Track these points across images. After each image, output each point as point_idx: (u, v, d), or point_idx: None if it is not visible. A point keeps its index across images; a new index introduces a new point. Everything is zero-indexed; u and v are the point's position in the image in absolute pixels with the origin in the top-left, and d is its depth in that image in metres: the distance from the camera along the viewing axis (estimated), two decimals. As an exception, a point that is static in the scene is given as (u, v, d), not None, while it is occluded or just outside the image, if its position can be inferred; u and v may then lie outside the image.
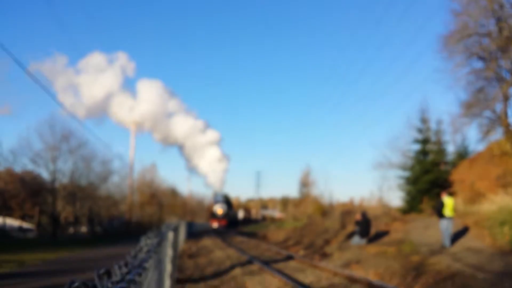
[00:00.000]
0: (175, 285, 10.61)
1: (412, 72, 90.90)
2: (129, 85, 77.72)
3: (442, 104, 45.77)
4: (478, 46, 18.84)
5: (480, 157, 22.24)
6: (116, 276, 1.59)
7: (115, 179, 49.73)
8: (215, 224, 57.50)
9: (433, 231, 16.71)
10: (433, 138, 28.31)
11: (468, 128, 23.51)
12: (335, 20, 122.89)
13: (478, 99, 19.23)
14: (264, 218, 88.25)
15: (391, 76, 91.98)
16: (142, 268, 2.08)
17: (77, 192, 41.33)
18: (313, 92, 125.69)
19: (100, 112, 54.70)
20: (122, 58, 55.85)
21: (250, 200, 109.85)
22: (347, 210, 33.64)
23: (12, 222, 46.80)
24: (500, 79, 18.33)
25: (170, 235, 7.82)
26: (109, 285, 1.28)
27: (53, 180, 39.46)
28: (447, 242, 14.03)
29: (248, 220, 79.11)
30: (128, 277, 1.59)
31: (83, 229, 47.93)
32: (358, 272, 12.53)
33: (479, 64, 19.34)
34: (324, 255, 17.95)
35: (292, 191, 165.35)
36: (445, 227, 14.14)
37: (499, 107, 18.69)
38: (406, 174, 29.28)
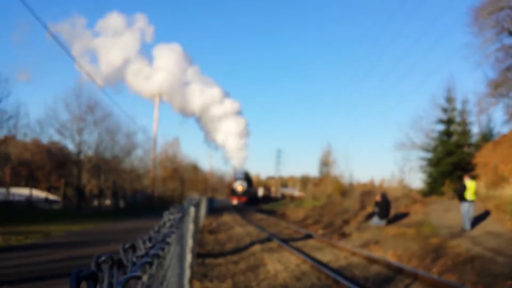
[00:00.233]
0: (196, 259, 10.87)
1: (439, 47, 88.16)
2: (147, 51, 75.87)
3: (469, 82, 44.39)
4: (510, 20, 18.16)
5: (505, 139, 21.70)
6: (141, 251, 1.65)
7: (138, 152, 50.43)
8: (235, 201, 58.06)
9: (453, 214, 16.56)
10: (458, 118, 27.61)
11: (494, 109, 22.93)
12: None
13: (506, 78, 18.66)
14: (283, 197, 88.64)
15: (418, 52, 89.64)
16: (165, 243, 2.15)
17: (102, 165, 42.14)
18: (337, 71, 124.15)
19: (117, 81, 53.47)
20: (140, 21, 54.59)
21: (270, 178, 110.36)
22: (367, 191, 33.51)
23: (38, 193, 48.19)
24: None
25: (192, 210, 7.98)
26: (134, 259, 1.35)
27: (79, 152, 40.24)
28: (467, 225, 13.91)
29: (267, 198, 79.58)
30: (152, 251, 1.66)
31: (107, 202, 49.07)
32: (376, 253, 12.59)
33: (509, 40, 18.70)
34: (343, 235, 18.04)
35: (312, 170, 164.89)
36: (466, 211, 13.98)
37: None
38: (429, 155, 28.78)
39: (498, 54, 18.77)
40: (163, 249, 1.96)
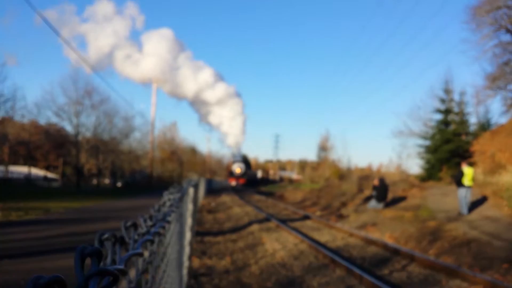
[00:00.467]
0: (195, 237, 10.96)
1: (437, 41, 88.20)
2: (137, 38, 75.00)
3: (466, 75, 44.45)
4: (507, 19, 18.19)
5: (503, 129, 21.79)
6: (142, 228, 1.65)
7: (136, 135, 50.53)
8: (233, 183, 58.30)
9: (451, 198, 16.66)
10: (455, 109, 27.87)
11: (492, 100, 23.12)
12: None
13: (503, 72, 18.76)
14: (281, 179, 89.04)
15: (416, 45, 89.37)
16: (166, 221, 2.15)
17: (100, 146, 42.24)
18: (336, 59, 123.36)
19: (107, 66, 53.23)
20: (131, 8, 53.86)
21: (268, 162, 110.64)
22: (365, 175, 33.65)
23: (37, 171, 48.29)
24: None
25: (191, 190, 8.00)
26: (136, 237, 1.34)
27: (77, 134, 40.31)
28: (464, 210, 14.01)
29: (266, 181, 79.94)
30: (153, 229, 1.65)
31: (106, 181, 49.23)
32: (373, 234, 12.69)
33: (506, 37, 18.77)
34: (341, 217, 18.17)
35: (310, 154, 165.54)
36: (463, 196, 14.08)
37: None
38: (426, 143, 29.05)
39: (495, 50, 18.89)
40: (163, 227, 1.96)
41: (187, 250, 6.76)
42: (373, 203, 18.44)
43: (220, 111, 55.29)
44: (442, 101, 28.02)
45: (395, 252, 9.73)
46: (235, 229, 13.67)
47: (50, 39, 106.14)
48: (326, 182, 41.34)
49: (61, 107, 39.52)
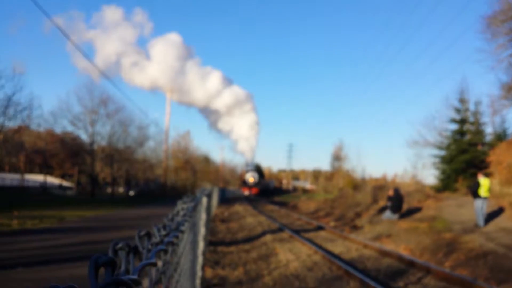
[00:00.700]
0: (208, 247, 10.94)
1: (452, 51, 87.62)
2: (145, 45, 75.58)
3: (482, 85, 44.27)
4: None
5: (520, 140, 21.45)
6: (156, 238, 1.65)
7: (151, 144, 50.87)
8: (246, 192, 58.20)
9: (466, 210, 16.39)
10: (471, 118, 27.53)
11: (508, 110, 22.74)
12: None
13: (519, 82, 18.51)
14: (295, 189, 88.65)
15: (431, 54, 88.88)
16: (179, 231, 2.15)
17: (115, 155, 42.61)
18: (351, 68, 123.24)
19: (115, 74, 53.65)
20: (139, 15, 54.21)
21: (281, 171, 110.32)
22: (379, 186, 33.28)
23: (52, 180, 48.83)
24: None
25: (204, 200, 8.00)
26: (149, 246, 1.34)
27: (92, 142, 40.71)
28: (480, 221, 13.76)
29: (279, 190, 79.64)
30: (167, 239, 1.65)
31: (121, 189, 49.56)
32: (388, 246, 12.53)
33: None
34: (355, 228, 17.98)
35: (323, 164, 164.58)
36: (480, 207, 13.85)
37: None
38: (442, 153, 28.72)
39: (511, 59, 18.61)
40: (177, 236, 1.95)
41: (200, 260, 6.74)
42: (388, 214, 18.23)
43: (230, 116, 55.16)
44: (457, 111, 27.75)
45: (410, 264, 9.58)
46: (248, 239, 13.61)
47: (58, 47, 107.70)
48: (340, 192, 41.01)
49: (76, 116, 40.07)
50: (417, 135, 31.48)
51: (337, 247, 12.40)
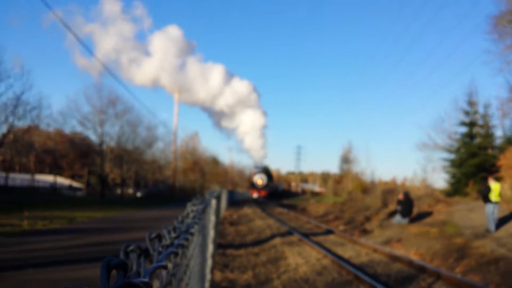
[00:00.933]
0: (217, 250, 10.92)
1: (460, 52, 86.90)
2: (144, 40, 74.57)
3: (490, 87, 43.94)
4: None
5: (530, 143, 21.16)
6: (166, 240, 1.64)
7: (159, 145, 50.99)
8: (255, 194, 58.13)
9: (477, 214, 16.20)
10: (480, 121, 27.24)
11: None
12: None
13: (528, 84, 18.29)
14: (303, 192, 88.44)
15: (439, 55, 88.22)
16: (189, 233, 2.14)
17: (124, 155, 42.82)
18: (359, 69, 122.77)
19: (114, 73, 53.51)
20: (139, 9, 53.80)
21: (290, 173, 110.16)
22: (389, 189, 33.05)
23: (62, 180, 49.16)
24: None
25: (213, 202, 7.99)
26: (160, 248, 1.33)
27: (101, 143, 40.92)
28: (492, 226, 13.59)
29: (287, 193, 79.47)
30: (177, 241, 1.64)
31: (130, 190, 49.78)
32: (398, 251, 12.41)
33: None
34: (364, 232, 17.87)
35: (332, 167, 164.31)
36: (491, 212, 13.69)
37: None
38: (451, 156, 28.45)
39: None
40: (187, 239, 1.94)
41: (209, 262, 6.72)
42: (398, 218, 18.09)
43: (239, 117, 54.78)
44: (467, 113, 27.48)
45: (421, 269, 9.47)
46: (257, 242, 13.58)
47: (58, 44, 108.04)
48: (349, 195, 40.82)
49: (85, 115, 40.32)
50: (426, 138, 31.28)
51: (347, 251, 12.32)
